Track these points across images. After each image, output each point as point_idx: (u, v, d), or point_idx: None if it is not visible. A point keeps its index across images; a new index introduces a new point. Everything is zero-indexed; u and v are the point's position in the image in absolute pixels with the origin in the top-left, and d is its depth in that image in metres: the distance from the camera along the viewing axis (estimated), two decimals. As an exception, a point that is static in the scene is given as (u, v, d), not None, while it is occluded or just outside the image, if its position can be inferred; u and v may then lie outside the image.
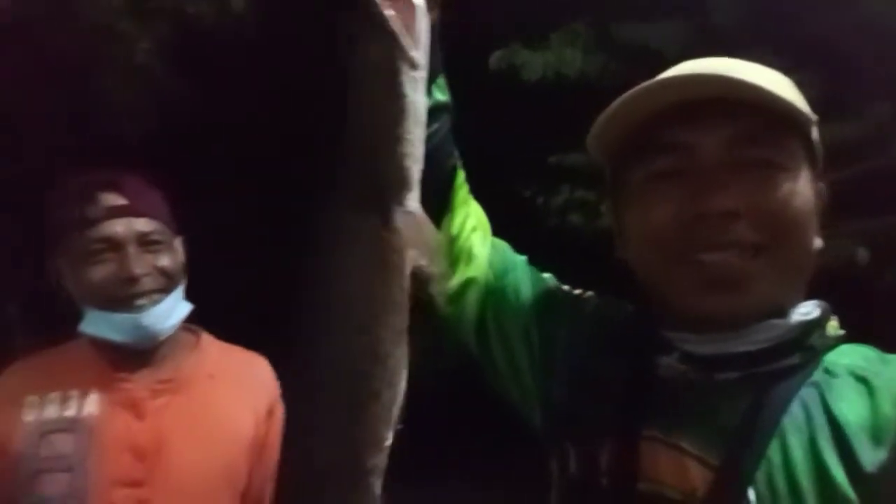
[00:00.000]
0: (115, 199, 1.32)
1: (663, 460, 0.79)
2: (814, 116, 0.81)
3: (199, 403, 1.34)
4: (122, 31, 3.30)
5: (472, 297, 0.95)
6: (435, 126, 0.87)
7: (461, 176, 0.97)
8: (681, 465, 0.78)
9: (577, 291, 0.99)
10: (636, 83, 0.84)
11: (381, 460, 0.63)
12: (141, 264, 1.30)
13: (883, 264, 3.36)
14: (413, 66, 0.61)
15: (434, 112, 0.86)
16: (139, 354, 1.34)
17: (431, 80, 0.83)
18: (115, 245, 1.30)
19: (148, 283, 1.31)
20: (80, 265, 1.31)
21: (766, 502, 0.73)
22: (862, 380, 0.77)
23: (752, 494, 0.74)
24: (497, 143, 4.02)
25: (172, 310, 1.34)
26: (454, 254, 0.94)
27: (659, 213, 0.80)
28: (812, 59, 2.86)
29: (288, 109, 4.32)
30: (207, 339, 1.44)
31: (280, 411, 1.41)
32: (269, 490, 1.38)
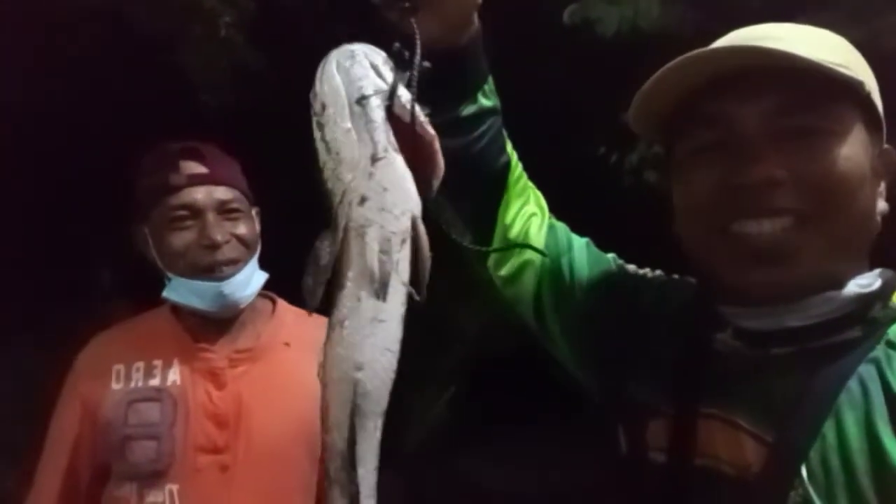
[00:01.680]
0: (196, 168, 1.37)
1: (720, 436, 0.78)
2: (861, 78, 0.76)
3: (276, 371, 1.39)
4: (205, 6, 3.37)
5: (529, 279, 0.98)
6: (481, 129, 0.93)
7: (517, 169, 1.00)
8: (736, 440, 0.77)
9: (641, 271, 0.99)
10: (717, 34, 0.82)
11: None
12: (220, 231, 1.35)
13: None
14: (315, 112, 0.72)
15: (479, 116, 0.92)
16: (219, 323, 1.40)
17: (477, 88, 0.91)
18: (195, 212, 1.35)
19: (227, 250, 1.35)
20: (162, 232, 1.36)
21: (819, 480, 0.72)
22: None
23: (804, 472, 0.72)
24: (571, 101, 3.94)
25: (251, 278, 1.39)
26: (510, 240, 0.98)
27: (700, 184, 0.79)
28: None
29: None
30: (283, 307, 1.48)
31: None
32: None
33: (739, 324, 0.81)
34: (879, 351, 0.75)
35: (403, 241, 0.71)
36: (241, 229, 1.38)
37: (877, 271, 0.80)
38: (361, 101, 0.71)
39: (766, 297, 0.77)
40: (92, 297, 4.80)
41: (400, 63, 0.75)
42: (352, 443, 0.71)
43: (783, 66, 0.73)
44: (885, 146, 0.81)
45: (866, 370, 0.75)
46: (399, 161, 0.72)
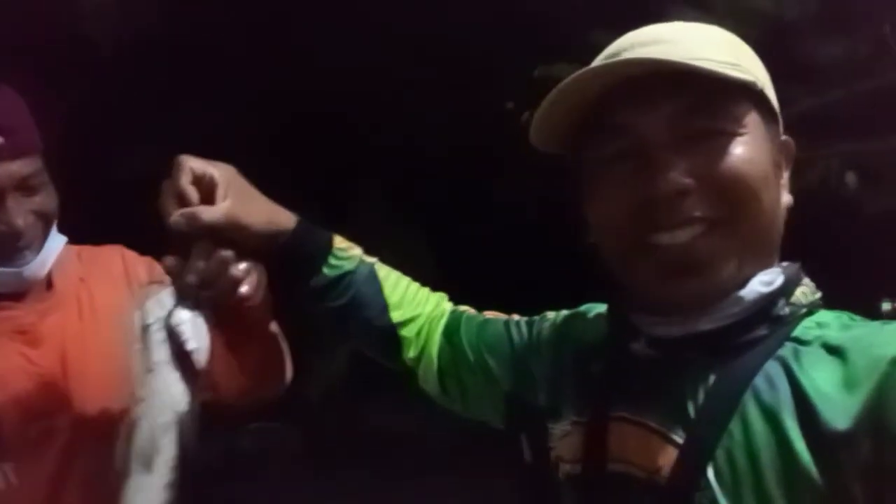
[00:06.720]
0: None
1: (631, 440, 0.79)
2: (753, 74, 0.77)
3: (84, 310, 1.30)
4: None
5: (432, 370, 1.08)
6: (336, 292, 1.05)
7: (401, 304, 1.11)
8: (648, 443, 0.78)
9: (537, 318, 1.04)
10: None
11: None
12: (22, 214, 1.17)
13: (873, 188, 3.33)
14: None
15: (330, 284, 1.05)
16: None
17: (319, 263, 1.04)
18: None
19: (30, 233, 1.20)
20: None
21: (726, 478, 0.73)
22: (834, 350, 0.74)
23: (711, 472, 0.73)
24: (480, 56, 3.92)
25: (51, 251, 1.26)
26: (412, 358, 1.10)
27: (611, 199, 0.79)
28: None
29: (267, 15, 4.18)
30: (68, 248, 1.33)
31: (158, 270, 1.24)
32: None
33: (652, 332, 0.82)
34: (786, 348, 0.77)
35: (166, 430, 0.92)
36: (41, 202, 1.21)
37: (779, 267, 0.81)
38: (145, 328, 0.95)
39: (689, 306, 0.78)
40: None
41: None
42: None
43: (678, 72, 0.73)
44: (783, 137, 0.82)
45: (773, 367, 0.76)
46: (166, 372, 0.94)
